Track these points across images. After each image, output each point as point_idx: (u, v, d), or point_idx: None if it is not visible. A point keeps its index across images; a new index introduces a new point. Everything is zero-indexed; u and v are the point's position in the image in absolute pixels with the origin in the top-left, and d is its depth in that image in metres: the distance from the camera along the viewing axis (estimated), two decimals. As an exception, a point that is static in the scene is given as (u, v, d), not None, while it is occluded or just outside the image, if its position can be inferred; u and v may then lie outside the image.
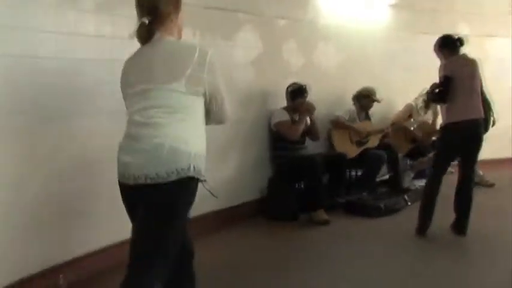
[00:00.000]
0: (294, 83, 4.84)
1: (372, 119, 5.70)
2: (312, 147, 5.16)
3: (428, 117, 6.08)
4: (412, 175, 5.96)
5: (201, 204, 4.08)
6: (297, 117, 4.84)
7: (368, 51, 5.96)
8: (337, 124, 5.40)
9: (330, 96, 5.61)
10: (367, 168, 5.34)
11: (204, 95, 2.10)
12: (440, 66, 4.09)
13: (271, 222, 4.64)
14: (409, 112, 5.97)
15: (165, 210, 2.04)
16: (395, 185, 5.52)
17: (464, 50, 4.25)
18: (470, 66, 4.07)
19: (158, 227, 2.02)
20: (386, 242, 4.10)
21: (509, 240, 3.97)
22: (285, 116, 4.75)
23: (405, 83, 6.12)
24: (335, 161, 4.95)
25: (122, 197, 2.14)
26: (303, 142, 4.93)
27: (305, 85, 4.82)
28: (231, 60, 4.52)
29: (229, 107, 2.23)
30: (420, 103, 5.91)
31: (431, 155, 5.47)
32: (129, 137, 2.10)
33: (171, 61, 2.07)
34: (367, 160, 5.31)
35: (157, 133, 2.01)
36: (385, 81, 6.03)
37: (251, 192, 4.76)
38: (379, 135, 5.56)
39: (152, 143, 2.01)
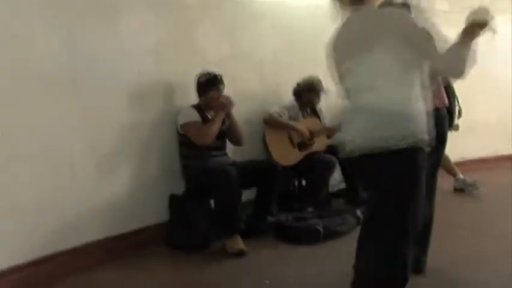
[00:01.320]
0: (205, 72, 3.79)
1: (321, 115, 4.63)
2: (245, 153, 4.11)
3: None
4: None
5: (86, 231, 3.20)
6: (210, 113, 3.79)
7: (316, 33, 4.87)
8: (272, 123, 4.33)
9: (265, 90, 4.55)
10: (313, 178, 4.27)
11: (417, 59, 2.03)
12: None
13: (174, 252, 3.58)
14: None
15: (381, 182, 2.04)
16: (350, 197, 4.46)
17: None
18: None
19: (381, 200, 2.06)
20: (317, 283, 3.00)
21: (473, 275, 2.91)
22: (194, 115, 3.70)
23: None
24: (265, 171, 3.85)
25: None
26: (221, 148, 3.86)
27: (220, 75, 3.78)
28: (116, 48, 3.50)
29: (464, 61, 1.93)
30: None
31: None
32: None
33: (371, 27, 2.06)
34: (312, 167, 4.24)
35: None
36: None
37: (153, 214, 3.71)
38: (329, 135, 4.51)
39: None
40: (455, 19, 5.58)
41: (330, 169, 4.24)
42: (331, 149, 4.39)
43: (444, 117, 2.95)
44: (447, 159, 4.80)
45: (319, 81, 4.42)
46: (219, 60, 4.16)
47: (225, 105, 3.70)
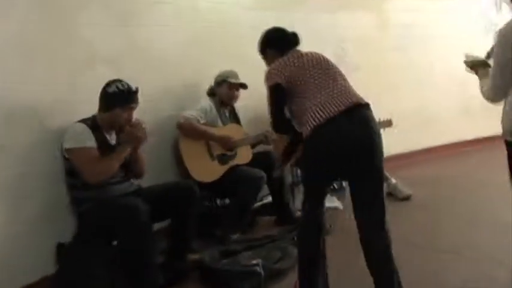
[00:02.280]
0: (118, 81, 2.81)
1: (241, 120, 3.89)
2: (151, 173, 3.24)
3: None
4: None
5: None
6: (112, 140, 2.89)
7: (226, 23, 4.14)
8: (188, 129, 3.49)
9: (169, 91, 3.71)
10: (237, 197, 3.50)
11: None
12: (266, 75, 2.45)
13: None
14: None
15: None
16: (282, 216, 3.80)
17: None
18: (311, 54, 2.46)
19: None
20: None
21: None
22: (86, 138, 2.73)
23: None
24: (179, 197, 3.01)
25: None
26: (124, 174, 2.96)
27: (137, 88, 2.84)
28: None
29: None
30: None
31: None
32: None
33: None
34: (236, 184, 3.48)
35: None
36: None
37: (35, 269, 2.75)
38: (254, 144, 3.80)
39: None
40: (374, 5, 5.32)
41: (257, 186, 3.51)
42: (258, 161, 3.68)
43: (370, 114, 2.31)
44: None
45: (237, 75, 3.68)
46: (112, 56, 3.27)
47: (140, 140, 2.82)
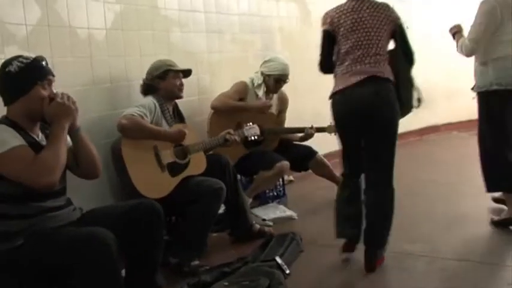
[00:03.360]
0: (17, 57, 2.04)
1: (185, 118, 3.22)
2: (84, 189, 2.45)
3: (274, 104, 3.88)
4: (249, 201, 3.69)
5: None
6: (42, 141, 2.10)
7: (162, 6, 3.47)
8: (133, 131, 2.75)
9: (103, 85, 2.96)
10: (194, 214, 2.82)
11: None
12: (323, 16, 2.74)
13: None
14: (242, 95, 3.66)
15: None
16: (239, 230, 3.21)
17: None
18: (369, 10, 2.60)
19: None
20: None
21: None
22: (11, 137, 1.93)
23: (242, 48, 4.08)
24: (140, 222, 2.24)
25: None
26: (62, 190, 2.15)
27: (42, 58, 2.09)
28: None
29: None
30: (260, 77, 3.70)
31: (280, 164, 3.57)
32: None
33: None
34: (192, 198, 2.82)
35: None
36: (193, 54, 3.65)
37: None
38: (210, 149, 3.17)
39: None
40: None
41: (218, 199, 2.87)
42: (209, 167, 3.05)
43: (386, 89, 2.61)
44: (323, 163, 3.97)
45: (175, 64, 3.04)
46: (25, 36, 2.47)
47: (69, 110, 2.05)
